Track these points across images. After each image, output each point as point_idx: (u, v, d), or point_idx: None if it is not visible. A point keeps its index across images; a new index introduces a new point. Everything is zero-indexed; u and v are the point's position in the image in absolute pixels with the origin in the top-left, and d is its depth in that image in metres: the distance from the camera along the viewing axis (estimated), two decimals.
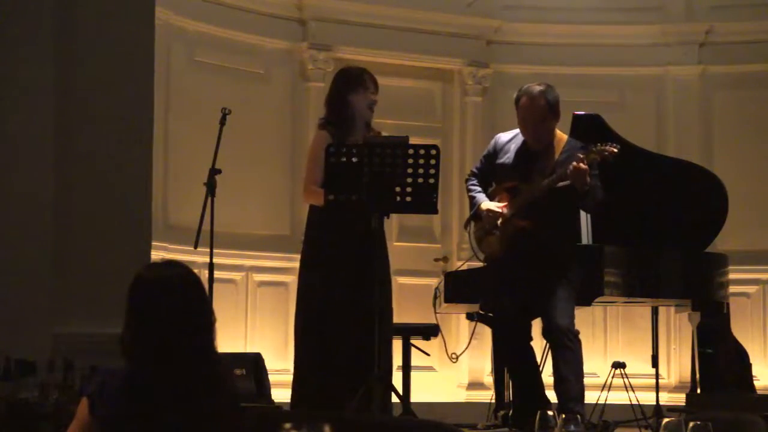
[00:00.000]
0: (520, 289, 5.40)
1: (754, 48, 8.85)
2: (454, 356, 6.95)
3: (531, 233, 5.35)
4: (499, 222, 5.44)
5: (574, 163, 5.17)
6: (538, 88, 5.44)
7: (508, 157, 5.50)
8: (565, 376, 5.27)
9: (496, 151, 5.57)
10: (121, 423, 2.65)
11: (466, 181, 5.71)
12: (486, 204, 5.50)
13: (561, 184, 5.26)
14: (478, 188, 5.59)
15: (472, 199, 5.61)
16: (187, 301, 2.72)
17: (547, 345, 5.46)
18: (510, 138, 5.55)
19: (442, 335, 6.86)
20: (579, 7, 9.07)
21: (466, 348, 7.23)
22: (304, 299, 5.56)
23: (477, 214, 5.55)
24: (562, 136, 5.48)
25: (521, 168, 5.44)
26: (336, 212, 5.30)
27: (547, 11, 9.05)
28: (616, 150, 5.24)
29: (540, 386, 5.46)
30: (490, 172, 5.58)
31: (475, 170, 5.69)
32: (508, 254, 5.44)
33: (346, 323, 5.35)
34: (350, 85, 5.57)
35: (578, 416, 2.62)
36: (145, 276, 2.75)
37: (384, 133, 5.82)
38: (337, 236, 5.44)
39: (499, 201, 5.49)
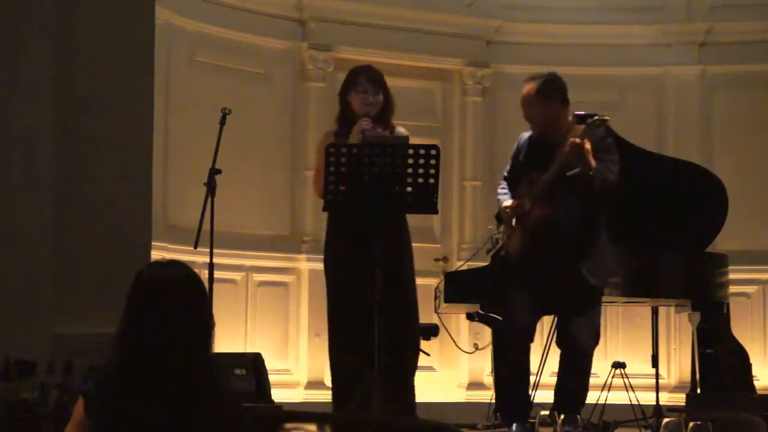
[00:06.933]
0: (536, 285, 5.30)
1: (754, 48, 8.85)
2: (475, 346, 6.89)
3: (548, 223, 5.27)
4: (518, 217, 5.40)
5: (570, 140, 5.09)
6: (537, 75, 5.41)
7: (526, 154, 5.48)
8: (571, 387, 5.25)
9: (518, 150, 5.55)
10: (117, 423, 2.65)
11: (498, 185, 5.70)
12: (505, 203, 5.49)
13: (572, 172, 5.17)
14: (505, 191, 5.56)
15: (497, 202, 5.59)
16: (187, 302, 2.72)
17: (548, 345, 5.43)
18: (528, 135, 5.53)
19: (448, 332, 6.83)
20: (579, 7, 9.07)
21: (487, 345, 7.14)
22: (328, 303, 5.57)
23: (500, 216, 5.54)
24: (579, 127, 5.42)
25: (539, 160, 5.35)
26: (338, 211, 5.32)
27: (547, 11, 9.05)
28: (607, 118, 5.14)
29: (528, 387, 5.42)
30: (516, 173, 5.55)
31: (505, 174, 5.68)
32: (529, 248, 5.35)
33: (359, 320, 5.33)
34: (346, 84, 5.58)
35: (578, 416, 2.63)
36: (146, 275, 2.75)
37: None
38: (340, 236, 5.46)
39: (517, 197, 5.45)
